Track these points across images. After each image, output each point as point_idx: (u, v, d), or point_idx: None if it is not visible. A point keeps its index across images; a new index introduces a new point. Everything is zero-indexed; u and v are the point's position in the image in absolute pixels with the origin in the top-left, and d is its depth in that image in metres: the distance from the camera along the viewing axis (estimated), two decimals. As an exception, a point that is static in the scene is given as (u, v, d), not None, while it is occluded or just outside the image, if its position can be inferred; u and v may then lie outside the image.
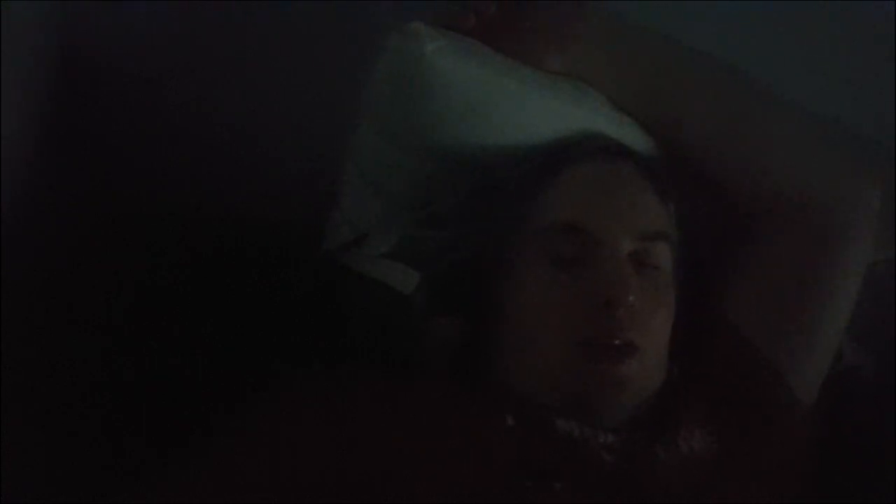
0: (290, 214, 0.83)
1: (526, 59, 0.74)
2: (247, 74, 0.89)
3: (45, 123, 0.82)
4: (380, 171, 0.78)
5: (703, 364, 0.73)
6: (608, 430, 0.65)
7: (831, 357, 0.76)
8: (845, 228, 0.75)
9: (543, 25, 0.74)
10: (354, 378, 0.67)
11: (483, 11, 0.73)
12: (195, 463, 0.62)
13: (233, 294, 0.82)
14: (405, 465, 0.60)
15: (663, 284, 0.69)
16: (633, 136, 0.76)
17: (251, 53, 0.88)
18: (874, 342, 0.83)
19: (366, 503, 0.58)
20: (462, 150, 0.74)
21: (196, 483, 0.61)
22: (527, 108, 0.73)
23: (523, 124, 0.74)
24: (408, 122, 0.74)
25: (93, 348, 0.79)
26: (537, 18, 0.74)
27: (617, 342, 0.64)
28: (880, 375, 0.83)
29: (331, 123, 0.79)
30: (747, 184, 0.76)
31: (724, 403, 0.71)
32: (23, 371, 0.73)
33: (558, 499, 0.61)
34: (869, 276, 0.76)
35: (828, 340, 0.75)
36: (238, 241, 0.85)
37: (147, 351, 0.80)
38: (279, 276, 0.82)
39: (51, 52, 0.81)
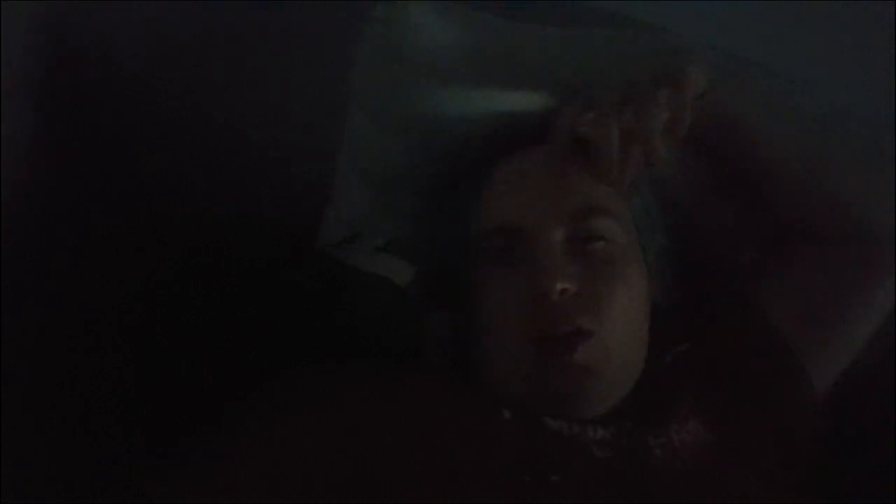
0: (288, 211, 0.83)
1: None
2: (244, 73, 0.89)
3: (44, 123, 0.82)
4: (368, 158, 0.78)
5: (717, 349, 0.72)
6: (597, 423, 0.65)
7: (853, 357, 0.75)
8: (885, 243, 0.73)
9: None
10: (354, 374, 0.67)
11: None
12: (195, 461, 0.63)
13: (231, 291, 0.82)
14: (404, 459, 0.60)
15: (616, 259, 0.67)
16: None
17: (249, 52, 0.88)
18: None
19: (367, 497, 0.59)
20: (444, 122, 0.74)
21: (196, 481, 0.61)
22: (513, 66, 0.73)
23: (509, 84, 0.73)
24: (393, 90, 0.74)
25: (93, 347, 0.79)
26: None
27: (565, 330, 0.64)
28: (881, 372, 0.82)
29: (329, 121, 0.79)
30: (812, 205, 0.74)
31: (736, 389, 0.70)
32: (23, 371, 0.73)
33: (556, 492, 0.61)
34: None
35: (854, 349, 0.75)
36: (236, 238, 0.85)
37: (147, 349, 0.80)
38: (277, 273, 0.82)
39: (49, 51, 0.81)
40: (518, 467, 0.62)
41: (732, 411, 0.69)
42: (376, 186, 0.79)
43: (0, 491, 0.66)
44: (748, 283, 0.76)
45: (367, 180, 0.79)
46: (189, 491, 0.60)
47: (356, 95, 0.76)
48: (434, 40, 0.71)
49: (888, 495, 0.72)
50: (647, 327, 0.69)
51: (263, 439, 0.62)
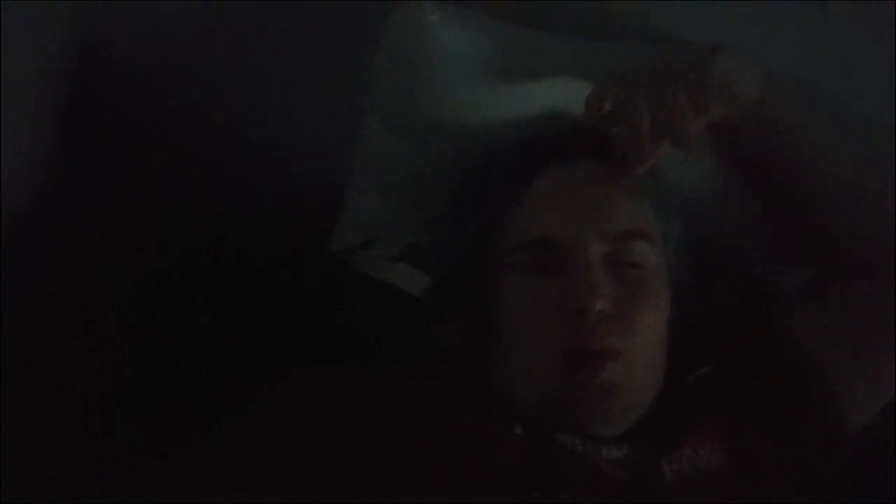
0: (300, 215, 0.83)
1: None
2: (258, 74, 0.88)
3: (48, 124, 0.82)
4: (383, 164, 0.78)
5: (743, 374, 0.71)
6: (611, 443, 0.65)
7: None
8: None
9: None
10: (356, 376, 0.67)
11: None
12: (197, 461, 0.63)
13: (237, 293, 0.82)
14: (405, 461, 0.60)
15: (650, 284, 0.67)
16: None
17: (263, 53, 0.88)
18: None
19: (367, 498, 0.59)
20: (461, 129, 0.74)
21: (197, 481, 0.61)
22: (525, 73, 0.72)
23: (522, 91, 0.73)
24: (409, 98, 0.74)
25: (98, 347, 0.79)
26: None
27: (595, 348, 0.64)
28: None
29: (342, 123, 0.78)
30: (865, 227, 0.73)
31: (759, 417, 0.69)
32: (23, 371, 0.73)
33: None
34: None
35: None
36: (244, 240, 0.85)
37: (150, 349, 0.80)
38: (286, 277, 0.82)
39: (51, 51, 0.81)
40: (527, 481, 0.62)
41: (752, 438, 0.68)
42: (392, 193, 0.78)
43: (0, 491, 0.66)
44: (783, 309, 0.75)
45: (383, 186, 0.78)
46: (190, 491, 0.60)
47: (371, 101, 0.76)
48: (449, 46, 0.70)
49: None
50: (666, 349, 0.69)
51: (265, 439, 0.62)
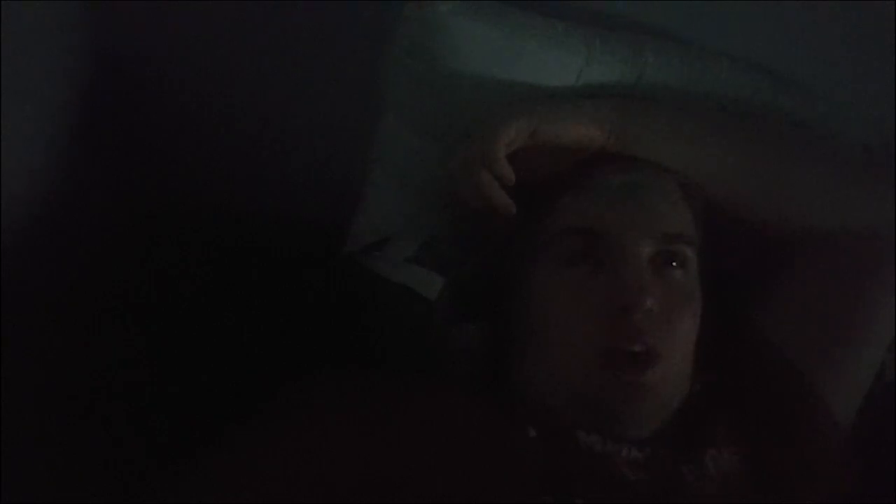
0: (315, 214, 0.83)
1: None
2: (271, 71, 0.88)
3: (61, 122, 0.82)
4: (404, 164, 0.77)
5: (733, 379, 0.71)
6: (632, 444, 0.64)
7: (871, 376, 0.74)
8: (884, 252, 0.72)
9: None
10: (371, 381, 0.66)
11: None
12: (209, 464, 0.62)
13: (251, 293, 0.82)
14: (424, 474, 0.60)
15: (688, 287, 0.67)
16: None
17: (276, 50, 0.88)
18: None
19: (376, 500, 0.58)
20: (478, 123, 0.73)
21: (208, 482, 0.60)
22: (542, 63, 0.72)
23: (538, 81, 0.73)
24: (427, 93, 0.74)
25: (101, 347, 0.79)
26: None
27: (638, 349, 0.63)
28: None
29: (357, 121, 0.78)
30: (781, 226, 0.74)
31: (755, 420, 0.69)
32: (23, 371, 0.73)
33: None
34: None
35: (868, 361, 0.74)
36: (258, 240, 0.85)
37: (161, 350, 0.80)
38: (302, 278, 0.82)
39: (67, 50, 0.81)
40: (541, 487, 0.61)
41: (759, 441, 0.68)
42: (410, 190, 0.78)
43: (0, 491, 0.66)
44: (752, 309, 0.75)
45: (400, 184, 0.78)
46: (197, 492, 0.60)
47: (387, 97, 0.76)
48: (465, 39, 0.70)
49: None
50: (693, 353, 0.68)
51: (275, 441, 0.62)
